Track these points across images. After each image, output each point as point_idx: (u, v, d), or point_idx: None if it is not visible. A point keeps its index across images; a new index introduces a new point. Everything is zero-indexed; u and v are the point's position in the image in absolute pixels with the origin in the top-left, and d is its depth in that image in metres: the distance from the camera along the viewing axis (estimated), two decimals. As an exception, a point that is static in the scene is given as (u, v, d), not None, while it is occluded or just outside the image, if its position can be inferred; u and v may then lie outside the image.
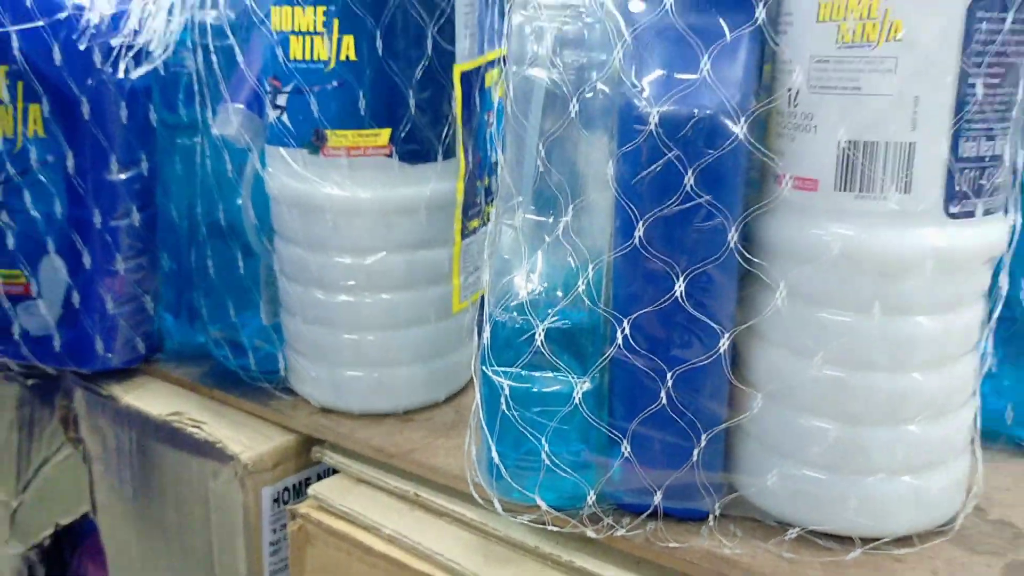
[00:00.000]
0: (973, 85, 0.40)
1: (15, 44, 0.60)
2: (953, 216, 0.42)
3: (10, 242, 0.64)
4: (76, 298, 0.64)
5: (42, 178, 0.63)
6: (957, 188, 0.41)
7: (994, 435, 0.56)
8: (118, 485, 0.69)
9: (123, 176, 0.63)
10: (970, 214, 0.42)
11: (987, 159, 0.42)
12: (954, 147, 0.41)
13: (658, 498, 0.46)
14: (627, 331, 0.44)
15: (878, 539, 0.45)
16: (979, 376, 0.48)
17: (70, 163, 0.62)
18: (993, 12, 0.39)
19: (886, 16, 0.39)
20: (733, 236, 0.42)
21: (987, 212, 0.43)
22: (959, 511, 0.48)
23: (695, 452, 0.45)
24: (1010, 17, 0.40)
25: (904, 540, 0.46)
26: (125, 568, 0.72)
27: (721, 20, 0.41)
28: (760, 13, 0.40)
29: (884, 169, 0.40)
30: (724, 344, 0.43)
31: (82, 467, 0.74)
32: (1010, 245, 0.45)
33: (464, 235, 0.59)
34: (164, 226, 0.67)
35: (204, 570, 0.64)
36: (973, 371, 0.47)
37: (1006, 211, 0.45)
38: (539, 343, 0.44)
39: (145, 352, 0.68)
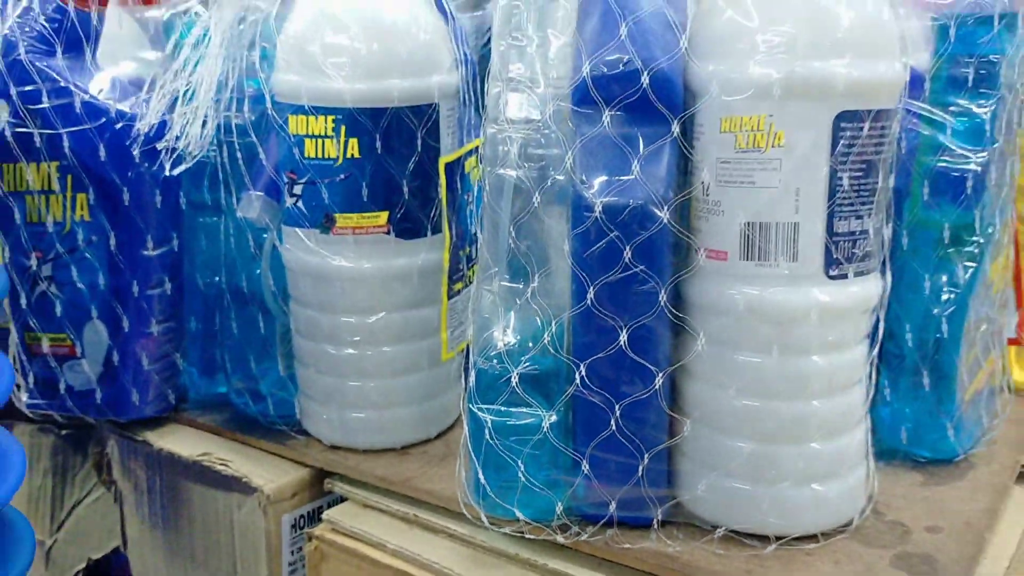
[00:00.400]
0: (841, 178, 0.52)
1: (65, 143, 0.71)
2: (832, 278, 0.54)
3: (58, 310, 0.74)
4: (116, 357, 0.75)
5: (87, 255, 0.73)
6: (834, 256, 0.53)
7: (893, 453, 0.67)
8: (148, 520, 0.79)
9: (157, 252, 0.74)
10: (845, 276, 0.54)
11: (856, 233, 0.54)
12: (829, 225, 0.53)
13: (612, 508, 0.57)
14: (583, 373, 0.55)
15: (789, 537, 0.57)
16: (867, 402, 0.59)
17: (112, 242, 0.73)
18: (853, 123, 0.52)
19: (771, 128, 0.51)
20: (663, 297, 0.54)
21: (860, 273, 0.55)
22: (858, 513, 0.59)
23: (640, 469, 0.56)
24: (866, 126, 0.52)
25: (811, 537, 0.57)
26: (154, 594, 0.81)
27: (648, 131, 0.53)
28: (675, 127, 0.53)
29: (776, 244, 0.53)
30: (659, 382, 0.55)
31: (112, 507, 0.84)
32: (882, 299, 0.57)
33: (450, 296, 0.70)
34: (190, 293, 0.77)
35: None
36: (861, 398, 0.58)
37: (881, 271, 0.58)
38: (514, 385, 0.56)
39: (174, 402, 0.78)
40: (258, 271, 0.71)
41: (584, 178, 0.54)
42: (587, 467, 0.57)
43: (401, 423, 0.70)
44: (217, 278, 0.74)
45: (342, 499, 0.69)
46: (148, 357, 0.75)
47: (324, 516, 0.67)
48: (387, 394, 0.69)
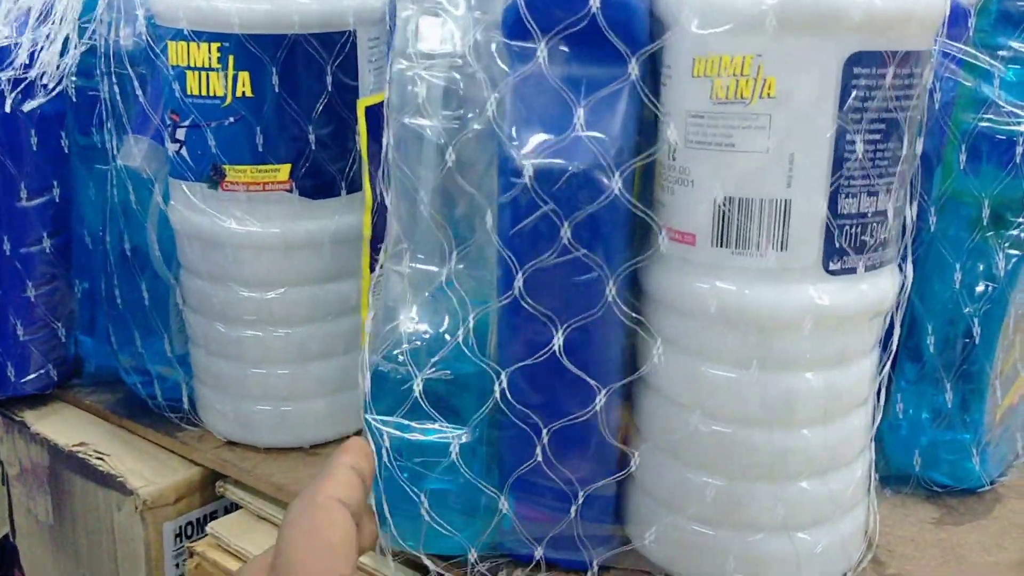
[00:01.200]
0: (851, 141, 0.39)
1: (-80, 71, 0.58)
2: (833, 272, 0.40)
3: (-82, 267, 0.63)
4: (-14, 324, 0.63)
5: (-50, 203, 0.61)
6: (837, 245, 0.40)
7: (904, 479, 0.55)
8: (34, 510, 0.68)
9: (33, 203, 0.62)
10: (851, 270, 0.41)
11: (869, 215, 0.41)
12: (832, 204, 0.39)
13: (539, 552, 0.45)
14: (504, 384, 0.42)
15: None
16: (873, 428, 0.47)
17: (-22, 189, 0.61)
18: (871, 68, 0.38)
19: (759, 72, 0.38)
20: (611, 290, 0.41)
21: (871, 267, 0.42)
22: (852, 567, 0.47)
23: (574, 505, 0.44)
24: (889, 73, 0.39)
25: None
26: (44, 593, 0.71)
27: (598, 72, 0.40)
28: (633, 67, 0.39)
29: (760, 226, 0.39)
30: (600, 400, 0.42)
31: (1, 489, 0.73)
32: (899, 298, 0.44)
33: (373, 268, 0.57)
34: (79, 250, 0.65)
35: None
36: (864, 426, 0.46)
37: (899, 263, 0.44)
38: (417, 394, 0.43)
39: (58, 378, 0.67)
40: (144, 230, 0.58)
41: (514, 133, 0.40)
42: (504, 503, 0.45)
43: (311, 418, 0.58)
44: (106, 237, 0.62)
45: (235, 507, 0.57)
46: (24, 325, 0.64)
47: (208, 528, 0.55)
48: (294, 384, 0.57)
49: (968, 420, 0.53)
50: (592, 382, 0.42)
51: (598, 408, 0.42)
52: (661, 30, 0.40)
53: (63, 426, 0.64)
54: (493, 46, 0.41)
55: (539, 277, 0.41)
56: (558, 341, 0.41)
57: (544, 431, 0.42)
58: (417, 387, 0.43)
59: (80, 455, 0.60)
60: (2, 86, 0.58)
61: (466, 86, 0.42)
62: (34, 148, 0.61)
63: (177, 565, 0.59)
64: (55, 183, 0.63)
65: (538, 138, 0.40)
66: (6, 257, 0.62)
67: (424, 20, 0.42)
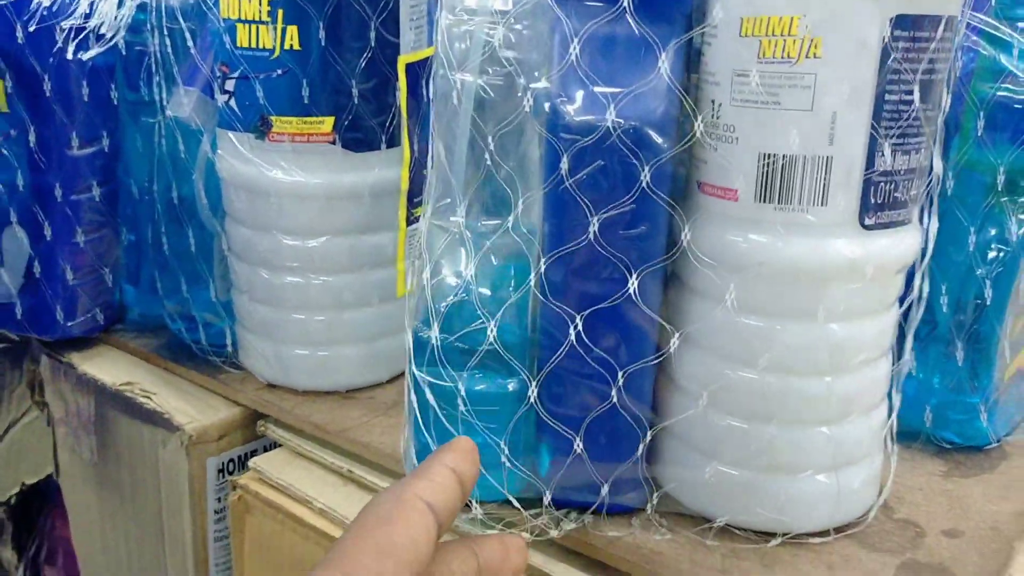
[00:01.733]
0: (890, 102, 0.37)
1: (-24, 21, 0.57)
2: (868, 228, 0.39)
3: (-27, 212, 0.61)
4: (37, 268, 0.62)
5: (4, 151, 0.59)
6: (872, 201, 0.39)
7: (914, 435, 0.54)
8: (79, 449, 0.67)
9: (84, 152, 0.60)
10: (885, 226, 0.40)
11: (903, 172, 0.39)
12: (870, 161, 0.38)
13: (604, 492, 0.44)
14: (579, 328, 0.41)
15: (793, 534, 0.44)
16: (891, 378, 0.46)
17: (32, 137, 0.59)
18: (911, 30, 0.37)
19: (807, 33, 0.36)
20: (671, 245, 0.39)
21: (901, 223, 0.40)
22: (867, 510, 0.46)
23: (639, 448, 0.42)
24: (929, 35, 0.37)
25: (813, 534, 0.45)
26: (85, 529, 0.70)
27: (648, 29, 0.38)
28: (683, 27, 0.38)
29: (802, 182, 0.38)
30: (674, 344, 0.41)
31: (46, 430, 0.72)
32: (925, 252, 0.43)
33: (409, 222, 0.56)
34: (126, 201, 0.64)
35: (155, 534, 0.62)
36: (885, 375, 0.45)
37: (921, 220, 0.43)
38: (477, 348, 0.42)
39: (104, 322, 0.65)
40: (192, 180, 0.57)
41: (565, 90, 0.39)
42: (543, 453, 0.43)
43: (346, 364, 0.57)
44: (154, 187, 0.60)
45: (275, 445, 0.56)
46: (73, 270, 0.62)
47: (250, 463, 0.54)
48: (332, 330, 0.56)
49: (977, 380, 0.52)
50: (656, 317, 0.40)
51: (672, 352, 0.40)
52: (707, -9, 0.39)
53: (109, 367, 0.63)
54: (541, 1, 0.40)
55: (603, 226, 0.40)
56: (632, 285, 0.40)
57: (620, 376, 0.41)
58: (450, 340, 0.42)
59: (127, 393, 0.59)
60: (59, 35, 0.56)
61: (515, 43, 0.41)
62: (85, 99, 0.59)
63: (219, 499, 0.58)
64: (104, 133, 0.61)
65: (586, 95, 0.39)
66: (57, 203, 0.60)
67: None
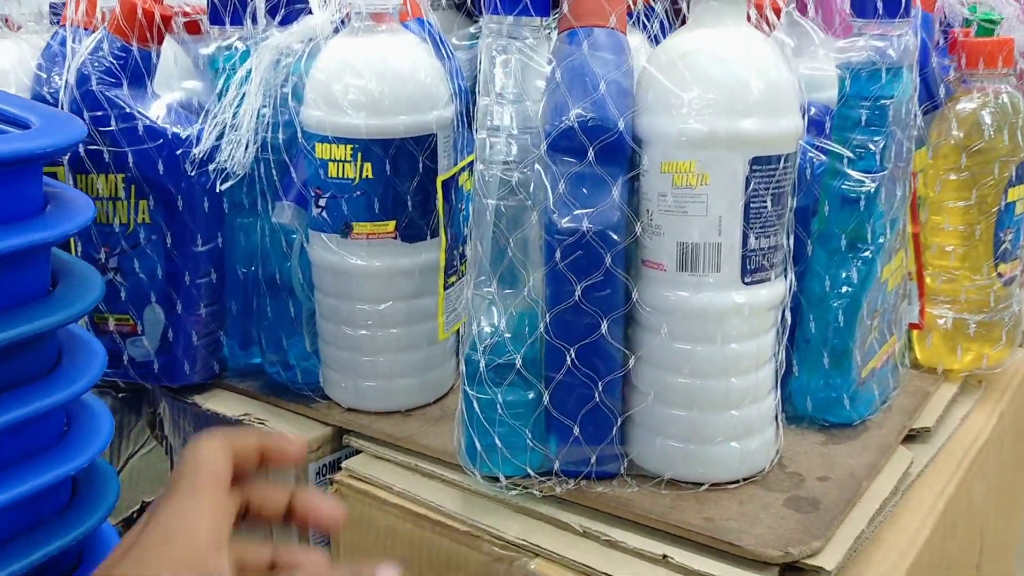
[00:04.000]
0: (753, 207, 0.63)
1: (130, 159, 0.80)
2: (747, 284, 0.64)
3: (123, 295, 0.84)
4: (170, 334, 0.84)
5: (148, 251, 0.82)
6: (748, 267, 0.64)
7: (802, 418, 0.77)
8: (195, 467, 0.90)
9: (205, 248, 0.83)
10: (758, 282, 0.65)
11: (767, 249, 0.64)
12: (744, 243, 0.63)
13: (592, 463, 0.67)
14: (573, 356, 0.65)
15: (716, 482, 0.68)
16: (777, 376, 0.70)
17: (168, 240, 0.82)
18: (762, 165, 0.62)
19: (700, 171, 0.62)
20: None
21: (768, 279, 0.65)
22: (767, 464, 0.71)
23: (612, 432, 0.67)
24: (773, 166, 0.63)
25: (732, 483, 0.69)
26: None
27: (607, 170, 0.63)
28: (625, 170, 0.63)
29: (704, 258, 0.63)
30: (631, 363, 0.65)
31: (163, 458, 0.94)
32: (787, 296, 0.68)
33: (446, 287, 0.80)
34: (232, 280, 0.86)
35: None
36: (770, 375, 0.69)
37: (785, 274, 0.68)
38: (496, 370, 0.66)
39: (217, 371, 0.89)
40: (289, 265, 0.81)
41: (556, 208, 0.63)
42: (553, 439, 0.67)
43: (405, 391, 0.80)
44: (253, 268, 0.84)
45: (357, 451, 0.80)
46: (197, 334, 0.85)
47: (343, 465, 0.78)
48: (393, 367, 0.80)
49: (840, 378, 0.77)
50: (624, 352, 0.65)
51: (631, 366, 0.65)
52: (640, 146, 0.64)
53: (225, 404, 0.85)
54: (538, 154, 0.65)
55: (583, 292, 0.64)
56: (604, 327, 0.64)
57: (599, 383, 0.65)
58: (506, 363, 0.66)
59: (245, 422, 0.83)
60: (188, 167, 0.80)
61: (520, 179, 0.65)
62: (206, 210, 0.83)
63: (317, 493, 0.81)
64: (219, 233, 0.85)
65: (571, 212, 0.63)
66: (186, 286, 0.84)
67: (492, 140, 0.65)
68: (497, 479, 0.68)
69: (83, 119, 0.79)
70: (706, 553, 0.63)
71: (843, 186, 0.74)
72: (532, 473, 0.68)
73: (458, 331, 0.79)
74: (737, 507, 0.66)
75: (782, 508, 0.65)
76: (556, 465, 0.68)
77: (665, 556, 0.63)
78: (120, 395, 0.93)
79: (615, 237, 0.63)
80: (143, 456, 0.96)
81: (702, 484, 0.67)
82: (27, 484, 0.49)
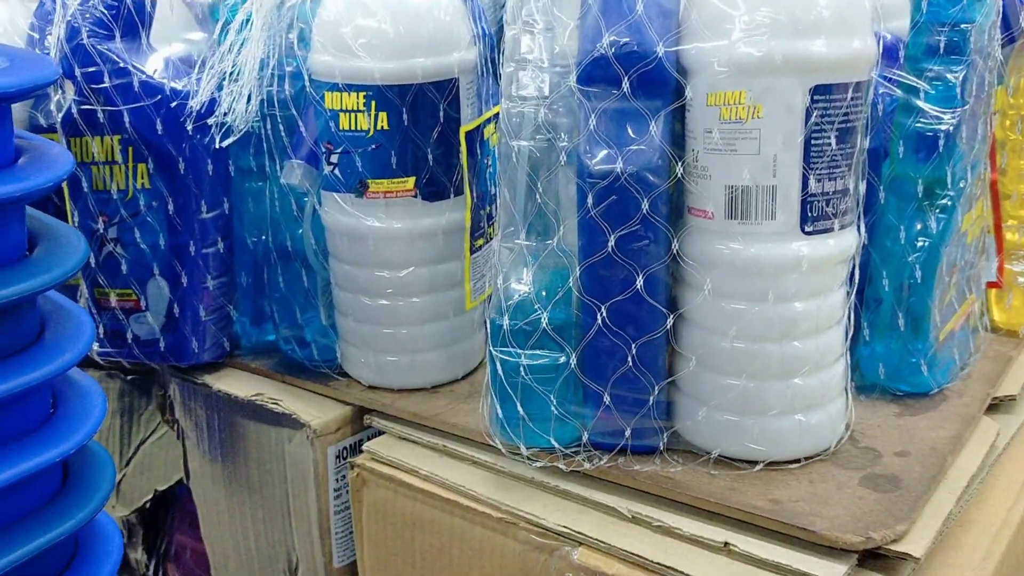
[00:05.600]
0: (815, 144, 0.58)
1: (126, 119, 0.77)
2: (807, 233, 0.59)
3: (124, 268, 0.82)
4: (176, 309, 0.82)
5: (149, 219, 0.80)
6: (809, 214, 0.59)
7: (873, 387, 0.73)
8: (208, 454, 0.87)
9: (211, 215, 0.81)
10: (822, 231, 0.60)
11: (831, 193, 0.59)
12: (804, 187, 0.58)
13: (627, 436, 0.63)
14: (604, 315, 0.61)
15: (774, 461, 0.63)
16: (846, 341, 0.65)
17: (170, 207, 0.79)
18: (827, 95, 0.57)
19: (751, 102, 0.57)
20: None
21: (835, 228, 0.60)
22: (835, 440, 0.66)
23: (650, 401, 0.62)
24: (839, 97, 0.57)
25: (793, 461, 0.64)
26: (215, 522, 0.89)
27: (646, 105, 0.59)
28: (668, 102, 0.58)
29: (756, 204, 0.58)
30: (669, 322, 0.61)
31: (175, 443, 0.92)
32: (858, 250, 0.63)
33: (472, 251, 0.76)
34: (241, 250, 0.84)
35: (281, 516, 0.82)
36: (840, 338, 0.64)
37: (857, 225, 0.63)
38: (530, 331, 0.62)
39: (228, 349, 0.86)
40: (300, 231, 0.77)
41: (588, 148, 0.59)
42: (608, 398, 0.63)
43: (430, 365, 0.77)
44: (264, 237, 0.81)
45: (379, 432, 0.76)
46: (205, 309, 0.82)
47: (364, 447, 0.74)
48: (417, 340, 0.76)
49: (917, 342, 0.71)
50: (663, 310, 0.60)
51: (669, 327, 0.60)
52: (684, 76, 0.59)
53: (237, 384, 0.82)
54: (570, 89, 0.60)
55: (618, 243, 0.60)
56: (639, 282, 0.60)
57: (633, 345, 0.61)
58: (536, 325, 0.62)
59: (258, 402, 0.79)
60: (188, 125, 0.77)
61: (552, 116, 0.61)
62: (210, 173, 0.80)
63: (337, 479, 0.78)
64: (225, 199, 0.82)
65: (606, 152, 0.59)
66: (191, 257, 0.81)
67: (522, 74, 0.61)
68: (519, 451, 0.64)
69: (75, 77, 0.76)
70: (773, 539, 0.58)
71: (918, 124, 0.68)
72: (558, 447, 0.63)
73: (488, 298, 0.75)
74: (807, 487, 0.61)
75: (858, 487, 0.60)
76: (585, 436, 0.63)
77: (727, 543, 0.58)
78: (129, 377, 0.91)
79: (654, 180, 0.58)
80: (155, 442, 0.94)
81: (756, 463, 0.62)
82: (5, 472, 0.45)
